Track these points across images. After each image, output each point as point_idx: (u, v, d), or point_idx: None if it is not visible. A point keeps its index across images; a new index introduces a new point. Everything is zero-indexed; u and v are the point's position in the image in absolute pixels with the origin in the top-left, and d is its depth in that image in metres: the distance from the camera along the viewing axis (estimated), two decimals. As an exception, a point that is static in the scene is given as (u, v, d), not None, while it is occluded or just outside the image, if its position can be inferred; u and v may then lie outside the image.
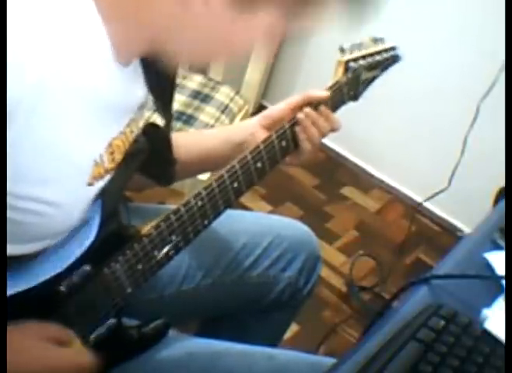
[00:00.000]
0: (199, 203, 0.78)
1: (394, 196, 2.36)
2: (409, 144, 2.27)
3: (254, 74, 1.92)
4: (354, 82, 0.98)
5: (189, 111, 1.60)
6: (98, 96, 0.64)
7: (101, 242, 0.73)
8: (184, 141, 0.95)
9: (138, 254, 0.75)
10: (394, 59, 1.05)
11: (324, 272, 1.83)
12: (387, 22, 2.18)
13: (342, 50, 0.96)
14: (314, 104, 0.91)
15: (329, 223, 2.16)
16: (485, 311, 0.76)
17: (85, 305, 0.74)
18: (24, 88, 0.55)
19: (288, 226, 1.12)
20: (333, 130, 0.94)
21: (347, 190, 2.33)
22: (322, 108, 0.92)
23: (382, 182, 2.40)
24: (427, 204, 2.20)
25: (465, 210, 2.16)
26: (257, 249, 1.06)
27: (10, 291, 0.67)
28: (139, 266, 0.76)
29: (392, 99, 2.21)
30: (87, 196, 0.70)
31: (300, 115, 0.90)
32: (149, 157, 0.80)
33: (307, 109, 0.90)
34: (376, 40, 1.02)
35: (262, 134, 0.89)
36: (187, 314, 1.08)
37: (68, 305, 0.72)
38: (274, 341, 1.20)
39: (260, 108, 2.53)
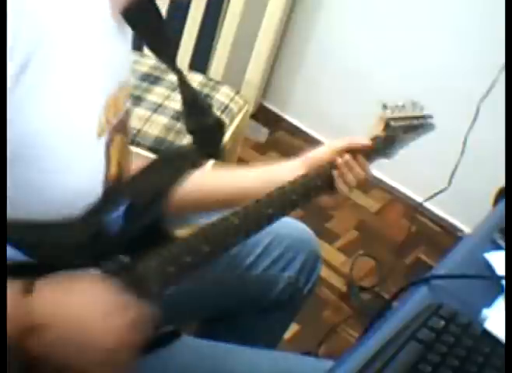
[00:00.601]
0: (236, 221, 0.81)
1: (394, 196, 2.36)
2: (409, 144, 2.27)
3: (254, 74, 1.92)
4: (391, 140, 1.03)
5: (189, 111, 1.60)
6: (97, 53, 0.68)
7: (139, 234, 0.75)
8: (225, 180, 0.98)
9: (171, 256, 0.77)
10: (430, 127, 1.11)
11: (324, 272, 1.83)
12: (387, 22, 2.18)
13: (385, 107, 1.01)
14: (354, 151, 0.95)
15: (329, 223, 2.15)
16: (485, 312, 0.76)
17: None
18: (40, 34, 0.58)
19: (288, 225, 1.12)
20: (366, 179, 0.97)
21: (347, 190, 2.32)
22: (359, 157, 0.95)
23: (382, 182, 2.39)
24: (427, 204, 2.19)
25: (465, 210, 2.16)
26: (258, 249, 1.06)
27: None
28: (170, 268, 0.77)
29: (392, 99, 2.21)
30: (97, 150, 0.72)
31: (339, 160, 0.94)
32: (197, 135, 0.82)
33: (347, 157, 0.94)
34: (415, 105, 1.06)
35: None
36: (186, 314, 1.08)
37: None
38: (274, 341, 1.20)
39: (260, 108, 2.53)
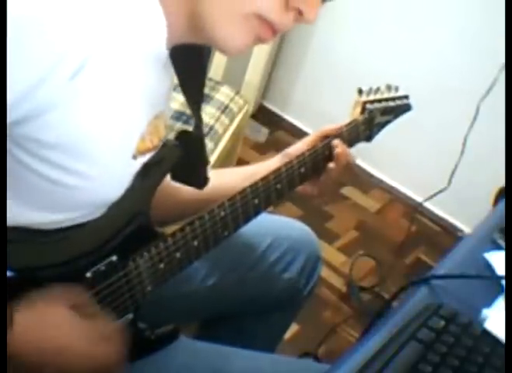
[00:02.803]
0: (222, 213, 0.82)
1: (394, 196, 2.36)
2: (409, 144, 2.27)
3: (254, 75, 1.93)
4: (369, 123, 1.04)
5: (189, 111, 1.61)
6: (144, 81, 0.67)
7: (129, 235, 0.74)
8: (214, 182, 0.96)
9: (161, 253, 0.77)
10: (406, 108, 1.11)
11: (324, 272, 1.83)
12: (387, 23, 2.18)
13: (360, 92, 1.03)
14: (332, 137, 0.97)
15: (329, 223, 2.16)
16: (485, 312, 0.76)
17: (106, 297, 0.74)
18: (93, 44, 0.57)
19: (288, 226, 1.12)
20: (348, 163, 0.98)
21: (347, 190, 2.33)
22: (338, 141, 0.96)
23: (382, 182, 2.40)
24: (427, 204, 2.20)
25: (465, 210, 2.17)
26: (258, 250, 1.06)
27: (33, 264, 0.68)
28: (161, 266, 0.77)
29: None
30: (130, 170, 0.71)
31: (339, 150, 0.95)
32: (181, 161, 0.80)
33: (344, 146, 0.96)
34: (390, 88, 1.08)
35: None
36: (187, 315, 1.08)
37: (89, 295, 0.72)
38: (274, 341, 1.20)
39: (260, 108, 2.53)
